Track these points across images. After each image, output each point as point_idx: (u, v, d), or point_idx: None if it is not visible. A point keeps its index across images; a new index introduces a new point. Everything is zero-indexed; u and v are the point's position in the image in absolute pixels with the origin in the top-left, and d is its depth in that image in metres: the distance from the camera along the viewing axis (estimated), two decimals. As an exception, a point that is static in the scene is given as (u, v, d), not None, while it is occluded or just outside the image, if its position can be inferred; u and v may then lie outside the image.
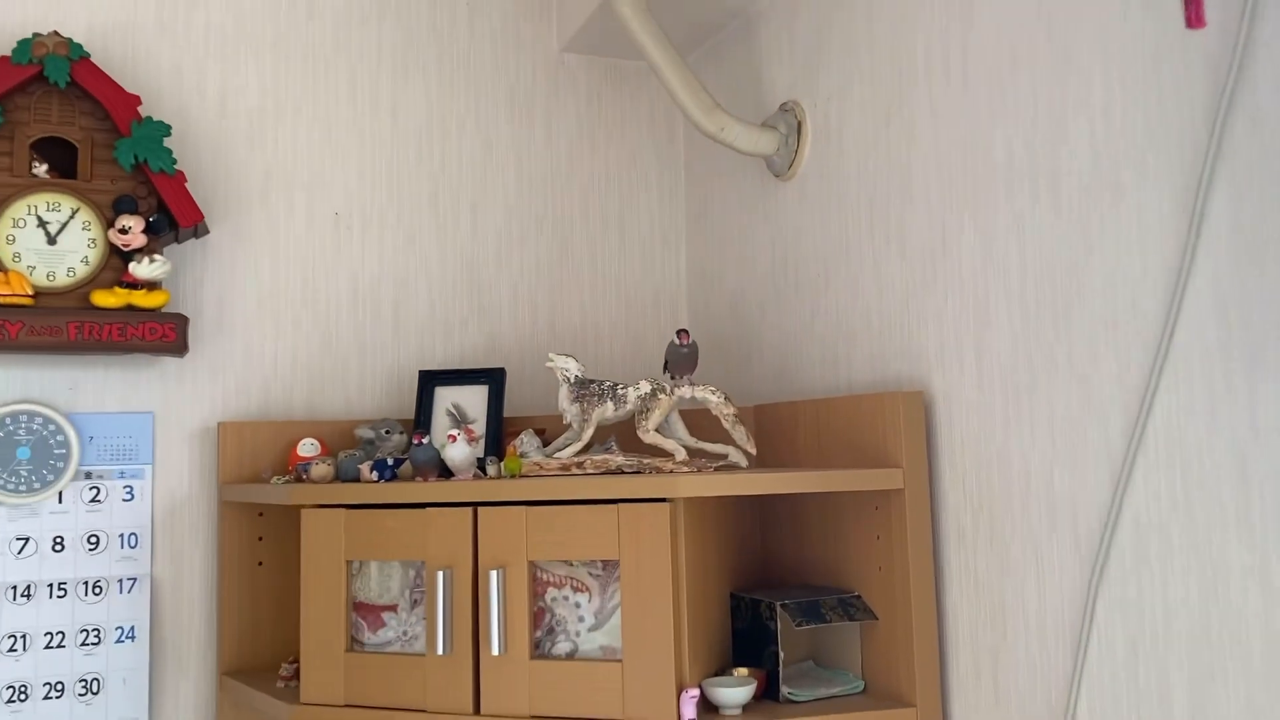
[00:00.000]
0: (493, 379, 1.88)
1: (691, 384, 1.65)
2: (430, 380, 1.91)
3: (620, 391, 1.65)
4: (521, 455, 1.64)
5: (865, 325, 1.65)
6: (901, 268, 1.57)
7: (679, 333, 1.65)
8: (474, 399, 1.89)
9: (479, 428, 1.85)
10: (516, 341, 2.10)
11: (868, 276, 1.65)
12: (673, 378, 1.67)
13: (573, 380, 1.68)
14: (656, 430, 1.62)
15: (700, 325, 2.17)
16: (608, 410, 1.65)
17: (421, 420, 1.88)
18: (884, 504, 1.50)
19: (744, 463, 1.63)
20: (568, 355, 1.69)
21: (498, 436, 1.84)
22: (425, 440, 1.59)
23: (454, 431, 1.59)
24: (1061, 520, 1.29)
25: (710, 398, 1.63)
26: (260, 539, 1.84)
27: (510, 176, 2.13)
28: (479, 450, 1.83)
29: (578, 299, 2.16)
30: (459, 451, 1.58)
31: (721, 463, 1.62)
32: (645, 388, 1.63)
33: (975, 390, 1.42)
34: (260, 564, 1.84)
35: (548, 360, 1.70)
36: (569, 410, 1.68)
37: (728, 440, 1.68)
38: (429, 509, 1.51)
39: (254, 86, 1.96)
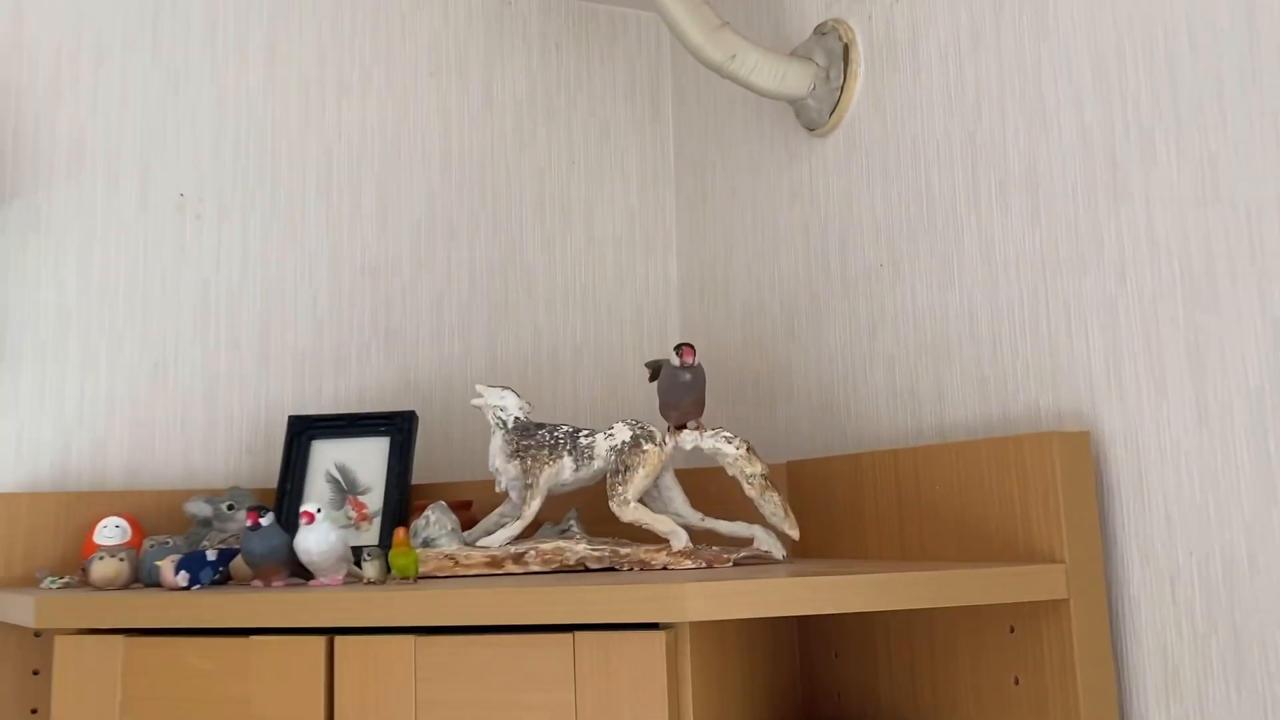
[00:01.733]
0: (396, 428, 1.28)
1: (699, 428, 1.05)
2: (304, 430, 1.30)
3: (584, 441, 1.05)
4: (422, 544, 1.03)
5: (968, 334, 1.06)
6: (1034, 237, 0.99)
7: (680, 349, 1.06)
8: (370, 458, 1.28)
9: (374, 500, 1.24)
10: (440, 376, 1.49)
11: (970, 258, 1.06)
12: (668, 420, 1.08)
13: (510, 425, 1.08)
14: (641, 501, 1.02)
15: (699, 351, 1.57)
16: (564, 470, 1.05)
17: (289, 489, 1.26)
18: (1028, 624, 0.89)
19: (779, 553, 1.03)
20: (503, 388, 1.10)
21: (401, 514, 1.23)
22: (264, 521, 0.98)
23: (311, 508, 0.98)
24: (1404, 664, 0.69)
25: (726, 449, 1.03)
26: (36, 673, 1.21)
27: (435, 151, 1.55)
28: (371, 535, 1.21)
29: (529, 318, 1.56)
30: (319, 540, 0.97)
31: (745, 552, 1.02)
32: (622, 434, 1.04)
33: (1192, 429, 0.83)
34: (34, 711, 1.20)
35: (474, 396, 1.10)
36: (504, 471, 1.08)
37: (753, 517, 1.08)
38: (255, 638, 0.89)
39: (63, 15, 1.38)
